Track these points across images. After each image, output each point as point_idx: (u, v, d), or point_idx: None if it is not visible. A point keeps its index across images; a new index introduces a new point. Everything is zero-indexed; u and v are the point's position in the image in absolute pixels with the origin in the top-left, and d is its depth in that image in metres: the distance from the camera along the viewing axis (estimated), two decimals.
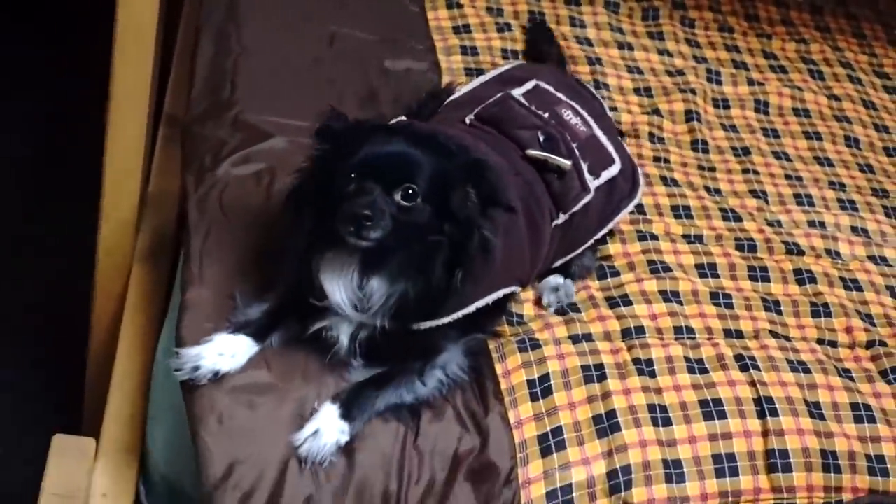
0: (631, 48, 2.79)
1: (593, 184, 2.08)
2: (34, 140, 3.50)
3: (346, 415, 1.81)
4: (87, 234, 2.45)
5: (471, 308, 1.87)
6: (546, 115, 2.11)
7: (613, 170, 2.13)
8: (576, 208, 2.06)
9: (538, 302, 2.13)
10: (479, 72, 2.57)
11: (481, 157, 1.85)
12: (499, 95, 2.13)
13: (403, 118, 2.10)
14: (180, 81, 2.70)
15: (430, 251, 1.78)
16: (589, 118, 2.15)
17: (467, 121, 2.10)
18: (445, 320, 1.85)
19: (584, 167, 2.07)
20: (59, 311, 2.99)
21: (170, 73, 2.85)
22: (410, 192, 1.75)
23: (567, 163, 2.04)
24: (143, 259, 2.39)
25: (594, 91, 2.32)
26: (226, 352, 1.83)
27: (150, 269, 2.37)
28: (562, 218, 2.06)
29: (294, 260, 1.85)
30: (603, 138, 2.14)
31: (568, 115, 2.13)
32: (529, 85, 2.16)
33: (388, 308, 1.79)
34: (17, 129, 3.50)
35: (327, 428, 1.80)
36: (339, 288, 1.80)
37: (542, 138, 2.06)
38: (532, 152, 2.04)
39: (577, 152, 2.08)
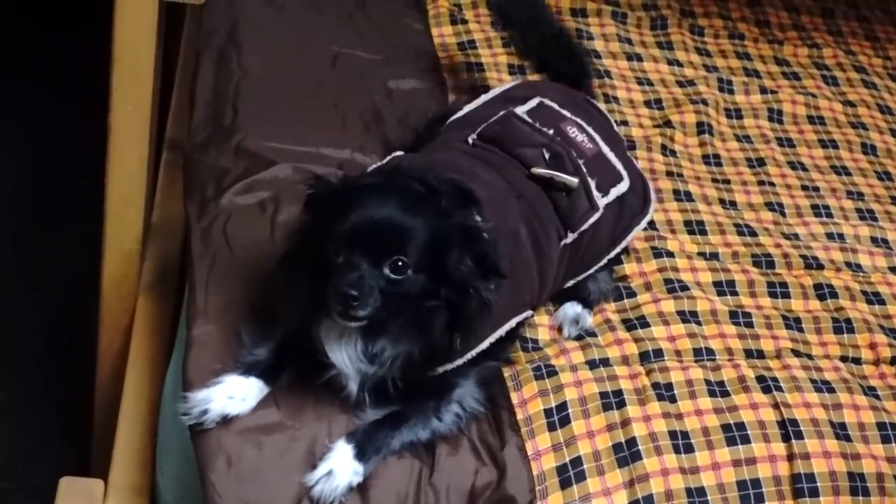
0: (640, 59, 2.74)
1: (602, 201, 2.03)
2: (39, 161, 3.47)
3: (361, 455, 1.76)
4: (95, 259, 2.40)
5: (484, 344, 1.83)
6: (551, 132, 2.06)
7: (622, 187, 2.07)
8: (584, 227, 2.01)
9: (553, 327, 2.08)
10: (486, 88, 2.52)
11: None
12: (501, 114, 2.08)
13: (398, 153, 2.04)
14: (182, 106, 2.65)
15: (427, 315, 1.72)
16: (595, 135, 2.10)
17: (470, 140, 2.05)
18: (459, 362, 1.80)
19: (592, 184, 2.02)
20: (67, 340, 2.95)
21: (171, 96, 2.81)
22: (400, 264, 1.68)
23: (573, 180, 1.99)
24: (149, 289, 2.35)
25: (601, 107, 2.27)
26: (236, 395, 1.78)
27: (156, 300, 2.33)
28: (570, 237, 2.00)
29: (294, 322, 1.80)
30: (610, 155, 2.09)
31: (573, 131, 2.08)
32: (533, 102, 2.11)
33: (396, 366, 1.75)
34: (21, 150, 3.47)
35: (341, 469, 1.75)
36: (343, 352, 1.74)
37: (547, 156, 2.01)
38: (537, 170, 1.99)
39: (583, 169, 2.03)
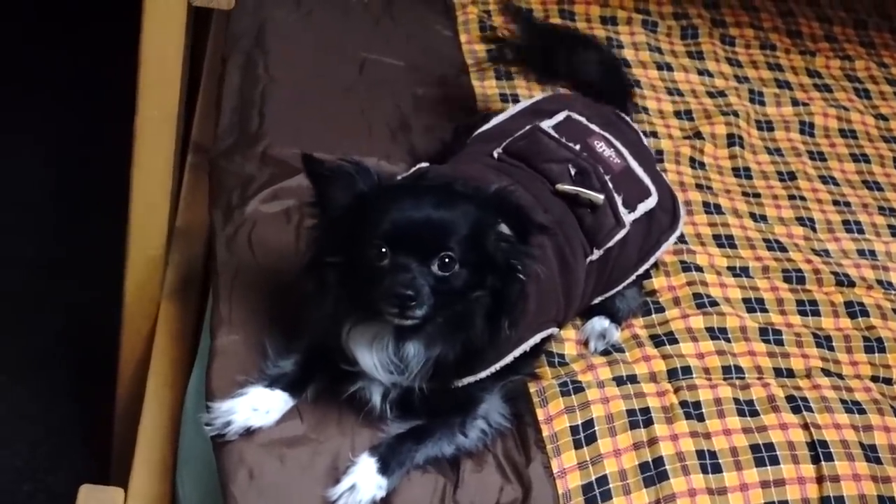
0: (670, 69, 2.71)
1: (628, 218, 2.00)
2: (66, 164, 3.47)
3: (384, 469, 1.74)
4: (118, 263, 2.39)
5: (509, 358, 1.81)
6: (577, 147, 2.03)
7: (650, 202, 2.05)
8: (610, 244, 1.99)
9: (580, 342, 2.05)
10: (514, 97, 2.50)
11: (498, 188, 1.77)
12: (527, 128, 2.06)
13: (424, 165, 2.02)
14: (208, 108, 2.64)
15: (470, 309, 1.71)
16: (623, 149, 2.07)
17: (495, 154, 2.03)
18: (484, 374, 1.78)
19: (619, 200, 2.00)
20: (90, 344, 2.94)
21: (197, 99, 2.79)
22: (447, 259, 1.67)
23: (599, 197, 1.97)
24: (172, 295, 2.33)
25: (629, 120, 2.24)
26: (260, 407, 1.76)
27: (179, 306, 2.31)
28: (596, 254, 1.98)
29: (321, 329, 1.78)
30: (639, 170, 2.06)
31: (601, 146, 2.06)
32: (560, 116, 2.09)
33: (427, 371, 1.73)
34: (48, 152, 3.47)
35: (364, 483, 1.72)
36: (373, 357, 1.73)
37: (573, 172, 1.99)
38: (562, 187, 1.97)
39: (609, 185, 2.00)
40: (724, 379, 2.01)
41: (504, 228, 1.72)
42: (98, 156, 3.40)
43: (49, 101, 3.64)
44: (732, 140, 2.54)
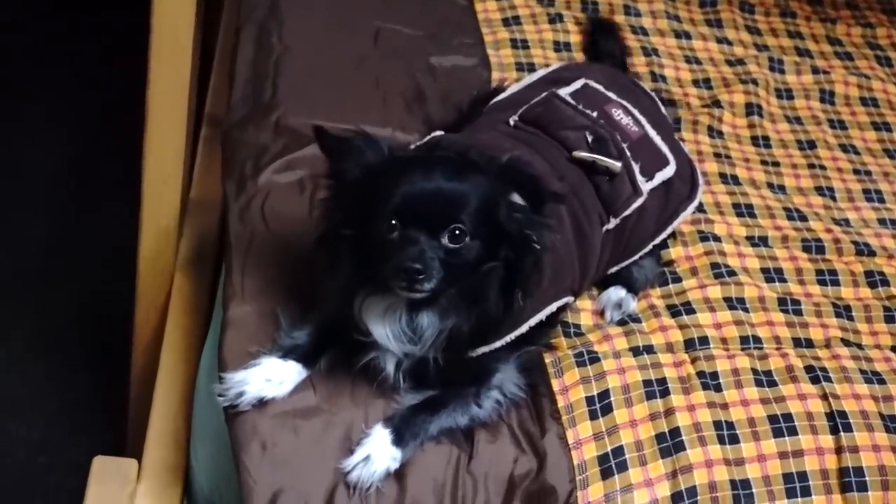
0: (689, 37, 2.68)
1: (646, 186, 1.98)
2: (82, 140, 3.46)
3: (398, 440, 1.72)
4: (133, 237, 2.38)
5: (524, 328, 1.79)
6: (595, 114, 2.01)
7: (668, 171, 2.02)
8: (627, 212, 1.96)
9: (596, 312, 2.03)
10: (531, 66, 2.48)
11: (510, 158, 1.75)
12: (544, 95, 2.04)
13: (438, 133, 2.00)
14: (221, 80, 2.62)
15: (483, 280, 1.69)
16: (641, 118, 2.05)
17: (511, 122, 2.01)
18: (499, 344, 1.76)
19: (636, 168, 1.98)
20: (105, 317, 2.93)
21: (211, 71, 2.77)
22: (457, 232, 1.65)
23: (617, 164, 1.94)
24: (186, 266, 2.33)
25: (648, 90, 2.21)
26: (273, 378, 1.75)
27: (193, 278, 2.30)
28: (612, 223, 1.96)
29: (334, 301, 1.76)
30: (657, 139, 2.04)
31: (618, 114, 2.03)
32: (578, 84, 2.07)
33: (440, 342, 1.71)
34: (63, 129, 3.45)
35: (378, 454, 1.71)
36: (385, 328, 1.71)
37: (590, 139, 1.96)
38: (579, 154, 1.94)
39: (627, 153, 1.98)
40: (742, 349, 1.99)
41: (517, 199, 1.70)
42: (111, 132, 3.40)
43: (64, 78, 3.63)
44: (751, 109, 2.50)
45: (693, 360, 1.95)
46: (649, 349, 1.96)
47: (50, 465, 2.69)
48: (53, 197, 3.29)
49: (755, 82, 2.55)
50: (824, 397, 1.92)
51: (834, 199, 2.35)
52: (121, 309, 2.56)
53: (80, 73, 3.65)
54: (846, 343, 2.04)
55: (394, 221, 1.66)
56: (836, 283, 2.16)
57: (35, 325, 2.96)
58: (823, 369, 1.96)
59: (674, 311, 2.04)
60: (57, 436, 2.75)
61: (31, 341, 2.92)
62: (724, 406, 1.89)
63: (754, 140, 2.45)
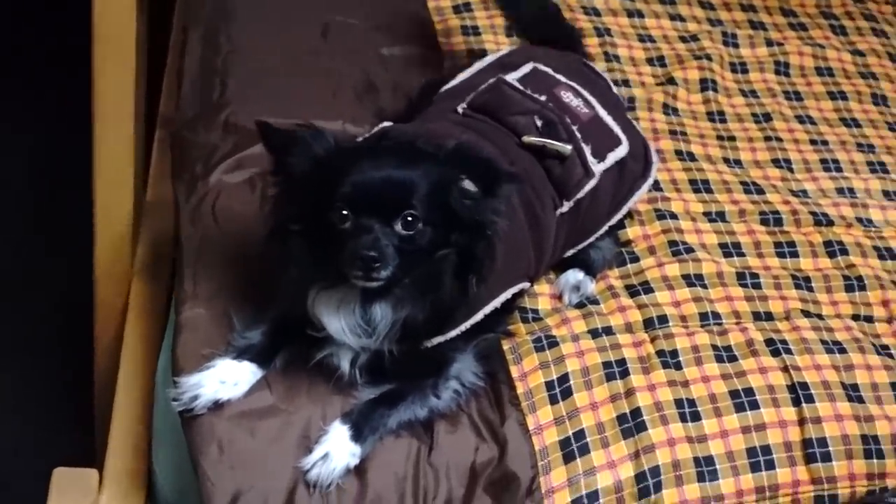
0: (641, 15, 2.67)
1: (598, 168, 1.97)
2: (37, 139, 3.43)
3: (357, 436, 1.71)
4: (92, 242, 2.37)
5: (479, 316, 1.78)
6: (544, 98, 2.00)
7: (621, 151, 2.01)
8: (580, 195, 1.96)
9: (554, 296, 2.02)
10: (483, 52, 2.46)
11: (459, 143, 1.75)
12: (491, 81, 2.02)
13: (386, 124, 1.99)
14: (174, 81, 2.60)
15: (437, 268, 1.68)
16: (592, 99, 2.04)
17: (460, 110, 1.99)
18: (454, 333, 1.75)
19: (587, 151, 1.97)
20: (70, 322, 2.90)
21: (164, 73, 2.75)
22: (410, 218, 1.64)
23: (567, 147, 1.93)
24: (143, 270, 2.30)
25: (599, 70, 2.20)
26: (228, 379, 1.73)
27: (151, 281, 2.28)
28: (566, 206, 1.95)
29: (287, 297, 1.75)
30: (608, 119, 2.03)
31: (568, 96, 2.02)
32: (526, 68, 2.05)
33: (395, 333, 1.70)
34: (21, 136, 3.42)
35: (337, 451, 1.70)
36: (340, 321, 1.70)
37: (539, 123, 1.96)
38: (529, 139, 1.93)
39: (578, 135, 1.97)
40: (702, 326, 1.99)
41: (468, 185, 1.69)
42: (72, 137, 3.37)
43: (21, 87, 3.59)
44: (706, 84, 2.49)
45: (653, 340, 1.95)
46: (608, 330, 1.95)
47: (19, 474, 2.66)
48: (11, 204, 3.26)
49: (709, 58, 2.54)
50: (785, 370, 1.92)
51: (791, 170, 2.35)
52: (84, 315, 2.54)
53: (39, 75, 3.61)
54: (806, 314, 2.03)
55: (345, 211, 1.64)
56: (794, 254, 2.15)
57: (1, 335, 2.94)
58: (784, 342, 1.96)
59: (632, 291, 2.03)
60: (25, 445, 2.73)
61: None
62: (685, 384, 1.89)
63: (710, 115, 2.45)
